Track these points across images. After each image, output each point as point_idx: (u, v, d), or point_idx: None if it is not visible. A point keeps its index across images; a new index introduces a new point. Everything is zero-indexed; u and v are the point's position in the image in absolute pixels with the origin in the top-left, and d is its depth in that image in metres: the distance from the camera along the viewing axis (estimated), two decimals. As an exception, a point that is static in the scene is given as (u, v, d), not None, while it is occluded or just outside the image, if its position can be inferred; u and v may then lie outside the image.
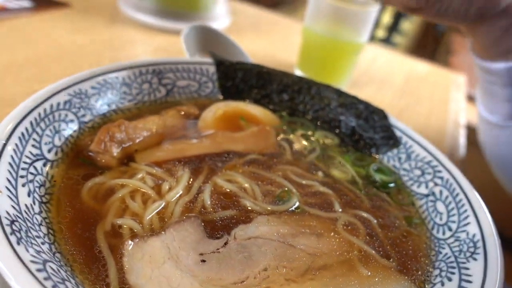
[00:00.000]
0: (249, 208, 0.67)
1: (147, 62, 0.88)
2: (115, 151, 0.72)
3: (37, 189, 0.60)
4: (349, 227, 0.68)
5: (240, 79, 0.96)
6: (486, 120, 1.19)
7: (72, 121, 0.74)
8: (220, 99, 0.97)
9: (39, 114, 0.67)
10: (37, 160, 0.64)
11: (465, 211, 0.70)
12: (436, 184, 0.79)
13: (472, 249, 0.63)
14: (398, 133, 0.89)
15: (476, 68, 1.13)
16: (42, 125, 0.68)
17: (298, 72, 1.56)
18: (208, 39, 1.21)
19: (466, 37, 1.10)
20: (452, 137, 1.48)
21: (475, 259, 0.61)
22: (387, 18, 5.04)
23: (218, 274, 0.54)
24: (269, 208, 0.67)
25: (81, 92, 0.77)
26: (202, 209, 0.65)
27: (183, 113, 0.87)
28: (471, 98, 3.16)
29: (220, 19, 1.87)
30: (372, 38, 4.57)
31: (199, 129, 0.86)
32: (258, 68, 0.97)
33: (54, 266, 0.48)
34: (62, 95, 0.73)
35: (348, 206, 0.73)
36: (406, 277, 0.61)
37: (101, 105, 0.81)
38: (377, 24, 4.59)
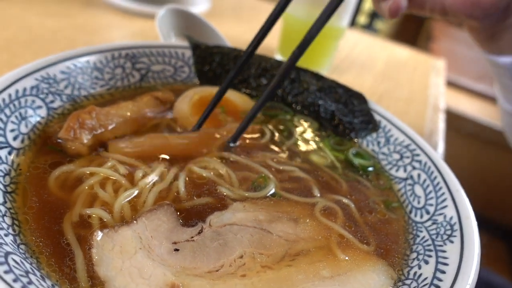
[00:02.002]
0: (225, 194, 0.65)
1: (119, 46, 0.85)
2: (86, 138, 0.69)
3: (1, 179, 0.57)
4: (327, 212, 0.67)
5: (217, 63, 0.94)
6: (504, 108, 1.21)
7: (40, 107, 0.71)
8: (197, 84, 0.95)
9: (3, 100, 0.64)
10: (2, 148, 0.61)
11: (443, 194, 0.70)
12: (414, 168, 0.78)
13: (449, 232, 0.63)
14: (377, 117, 0.88)
15: (486, 62, 1.13)
16: (7, 111, 0.64)
17: (279, 57, 1.54)
18: (184, 23, 1.17)
19: (472, 33, 1.08)
20: (432, 122, 1.48)
21: (451, 241, 0.61)
22: (368, 4, 5.02)
23: (193, 263, 0.52)
24: (246, 195, 0.66)
25: (49, 76, 0.73)
26: (176, 195, 0.63)
27: (158, 98, 0.85)
28: (450, 83, 3.21)
29: (199, 3, 1.83)
30: (354, 24, 4.55)
31: (174, 115, 0.83)
32: (235, 52, 0.95)
33: (17, 259, 0.46)
34: (28, 80, 0.70)
35: (326, 191, 0.73)
36: (383, 261, 0.60)
37: (71, 90, 0.77)
38: (358, 10, 4.57)
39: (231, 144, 0.77)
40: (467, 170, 3.26)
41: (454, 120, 3.00)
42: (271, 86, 0.73)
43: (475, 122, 3.08)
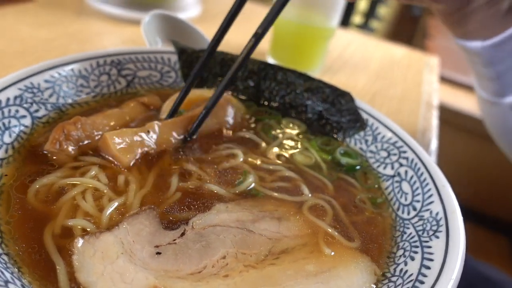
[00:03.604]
0: (216, 192, 0.65)
1: (104, 53, 0.85)
2: (72, 149, 0.69)
3: (-17, 189, 0.57)
4: (312, 210, 0.67)
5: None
6: (480, 96, 1.23)
7: (24, 116, 0.71)
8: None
9: (-14, 111, 0.64)
10: (-16, 158, 0.61)
11: (429, 190, 0.70)
12: (401, 165, 0.78)
13: (435, 227, 0.63)
14: (364, 115, 0.88)
15: (460, 50, 1.14)
16: (-10, 122, 0.65)
17: (271, 60, 1.54)
18: (171, 28, 1.18)
19: (440, 17, 1.08)
20: (425, 119, 1.48)
21: (437, 237, 0.61)
22: (363, 3, 5.01)
23: (175, 266, 0.52)
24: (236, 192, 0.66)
25: (33, 86, 0.74)
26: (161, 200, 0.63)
27: (144, 103, 0.85)
28: (446, 80, 3.20)
29: (190, 8, 1.83)
30: (348, 24, 4.55)
31: (161, 120, 0.83)
32: (221, 55, 0.95)
33: (-3, 268, 0.46)
34: (12, 89, 0.70)
35: (313, 190, 0.72)
36: (367, 258, 0.60)
37: (56, 99, 0.78)
38: (351, 9, 4.57)
39: (188, 139, 0.77)
40: (467, 166, 3.25)
41: (452, 117, 3.00)
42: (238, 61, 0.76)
43: (473, 118, 3.07)
